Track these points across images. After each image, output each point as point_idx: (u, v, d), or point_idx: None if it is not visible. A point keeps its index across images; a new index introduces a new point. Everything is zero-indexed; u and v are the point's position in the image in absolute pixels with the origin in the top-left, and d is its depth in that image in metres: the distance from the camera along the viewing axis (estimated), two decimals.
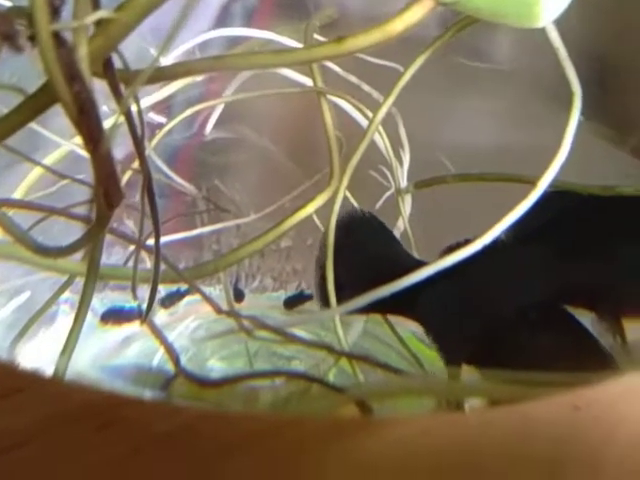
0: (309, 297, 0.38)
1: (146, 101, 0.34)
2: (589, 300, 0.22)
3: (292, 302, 0.38)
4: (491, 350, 0.22)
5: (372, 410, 0.14)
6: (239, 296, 0.39)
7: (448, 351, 0.23)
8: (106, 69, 0.13)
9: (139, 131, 0.14)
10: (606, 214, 0.24)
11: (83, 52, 0.12)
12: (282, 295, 0.39)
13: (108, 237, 0.33)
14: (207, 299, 0.21)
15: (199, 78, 0.37)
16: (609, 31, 0.35)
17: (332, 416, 0.14)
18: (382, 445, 0.12)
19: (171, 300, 0.37)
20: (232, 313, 0.20)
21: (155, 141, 0.30)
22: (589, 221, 0.24)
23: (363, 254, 0.30)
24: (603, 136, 0.34)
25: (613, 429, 0.12)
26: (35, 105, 0.14)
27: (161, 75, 0.14)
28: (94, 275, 0.17)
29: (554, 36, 0.26)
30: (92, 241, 0.16)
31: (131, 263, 0.20)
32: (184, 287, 0.37)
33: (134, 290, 0.18)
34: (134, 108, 0.15)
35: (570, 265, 0.23)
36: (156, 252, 0.18)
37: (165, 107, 0.38)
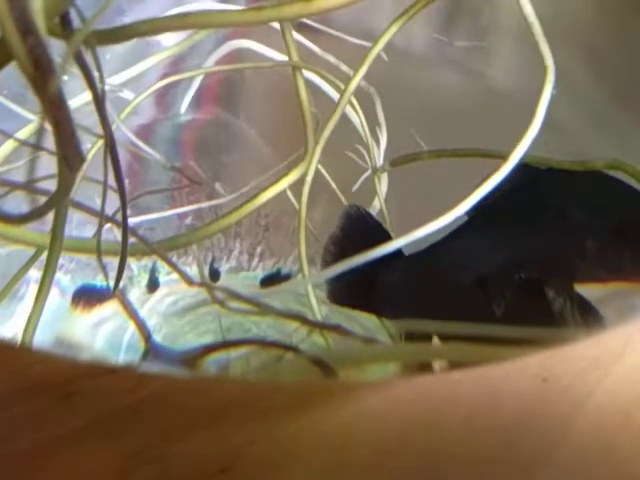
0: (286, 277, 0.38)
1: (121, 77, 0.33)
2: (542, 268, 0.23)
3: (268, 281, 0.38)
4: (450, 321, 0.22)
5: (336, 373, 0.14)
6: (215, 276, 0.39)
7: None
8: (63, 25, 0.13)
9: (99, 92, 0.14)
10: (560, 187, 0.25)
11: (37, 4, 0.11)
12: (259, 275, 0.39)
13: (79, 216, 0.33)
14: (178, 271, 0.21)
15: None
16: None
17: (303, 384, 0.14)
18: (353, 415, 0.12)
19: (155, 284, 0.37)
20: (204, 284, 0.20)
21: (124, 115, 0.29)
22: (543, 193, 0.25)
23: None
24: None
25: (581, 401, 0.12)
26: None
27: (123, 33, 0.14)
28: (59, 243, 0.16)
29: (528, 11, 0.26)
30: (55, 206, 0.15)
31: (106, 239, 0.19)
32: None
33: (100, 261, 0.18)
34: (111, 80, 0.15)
35: (524, 236, 0.24)
36: (123, 222, 0.17)
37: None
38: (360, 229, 0.30)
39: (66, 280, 0.35)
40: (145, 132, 0.39)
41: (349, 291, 0.27)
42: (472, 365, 0.13)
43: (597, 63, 0.34)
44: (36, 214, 0.15)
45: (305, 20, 0.38)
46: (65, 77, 0.28)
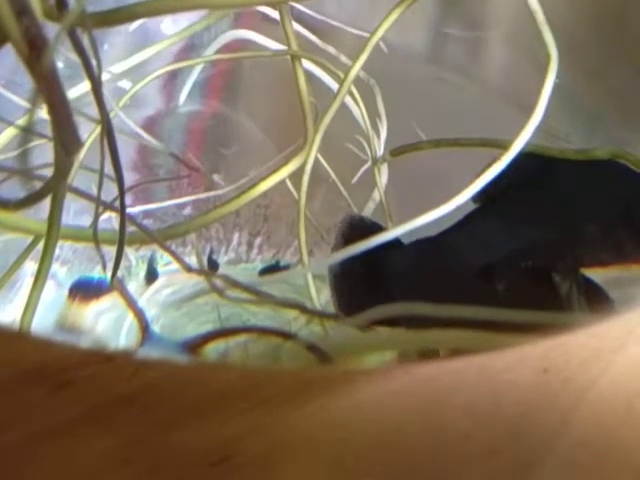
0: (285, 268, 0.38)
1: (121, 66, 0.33)
2: (549, 255, 0.23)
3: (267, 273, 0.38)
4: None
5: (332, 360, 0.14)
6: (213, 267, 0.38)
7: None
8: (59, 7, 0.12)
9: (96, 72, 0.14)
10: (568, 175, 0.25)
11: None
12: (257, 266, 0.39)
13: (77, 206, 0.32)
14: (177, 258, 0.20)
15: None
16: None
17: (301, 374, 0.14)
18: (352, 405, 0.12)
19: (154, 275, 0.37)
20: (202, 271, 0.20)
21: (122, 103, 0.29)
22: (551, 182, 0.25)
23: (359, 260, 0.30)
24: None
25: (583, 392, 0.12)
26: None
27: (120, 15, 0.14)
28: (56, 229, 0.16)
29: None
30: (52, 191, 0.15)
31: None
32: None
33: (98, 248, 0.18)
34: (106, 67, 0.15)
35: (532, 224, 0.24)
36: (121, 209, 0.17)
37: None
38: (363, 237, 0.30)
39: (63, 272, 0.34)
40: (146, 124, 0.39)
41: (353, 282, 0.26)
42: (472, 353, 0.12)
43: (582, 58, 0.34)
44: (33, 199, 0.15)
45: (305, 10, 0.38)
46: (60, 64, 0.28)
